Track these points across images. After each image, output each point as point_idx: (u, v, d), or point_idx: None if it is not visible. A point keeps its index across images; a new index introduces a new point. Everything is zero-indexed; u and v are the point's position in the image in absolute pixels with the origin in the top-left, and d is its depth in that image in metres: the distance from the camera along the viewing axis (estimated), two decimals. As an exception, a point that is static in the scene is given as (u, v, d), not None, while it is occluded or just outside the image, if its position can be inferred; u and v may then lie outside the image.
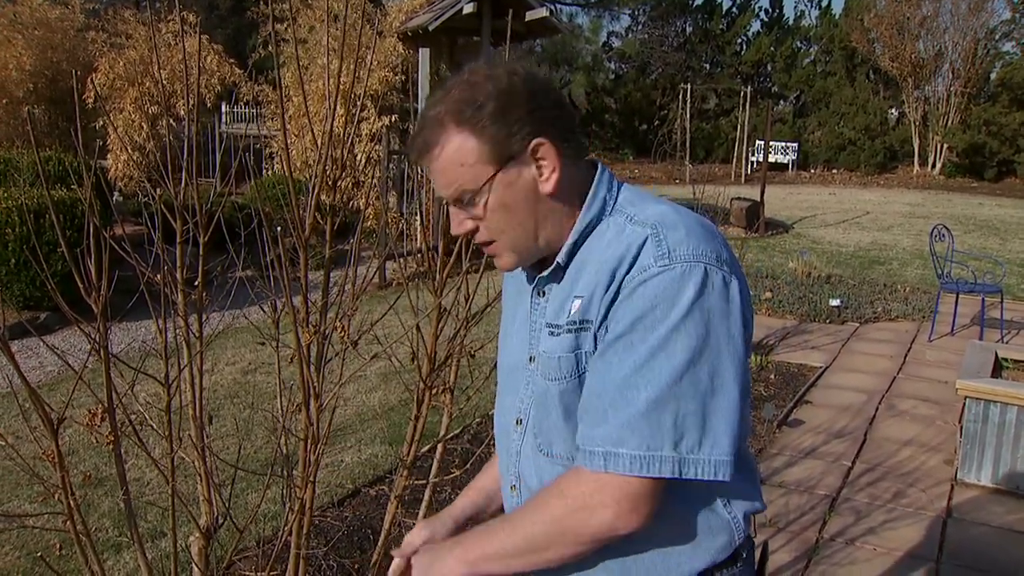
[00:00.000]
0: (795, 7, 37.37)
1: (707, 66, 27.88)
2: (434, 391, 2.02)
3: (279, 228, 1.74)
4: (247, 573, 2.95)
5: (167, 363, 1.81)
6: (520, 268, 1.27)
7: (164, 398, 1.81)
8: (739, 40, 27.54)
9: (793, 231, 12.84)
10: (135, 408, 1.84)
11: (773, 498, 3.68)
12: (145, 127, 10.96)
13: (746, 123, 22.01)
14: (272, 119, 12.07)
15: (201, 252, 1.80)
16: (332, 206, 1.76)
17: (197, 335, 1.85)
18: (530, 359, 1.23)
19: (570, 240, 1.17)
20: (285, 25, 11.19)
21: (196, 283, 1.82)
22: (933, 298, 7.17)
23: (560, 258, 1.18)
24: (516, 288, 1.32)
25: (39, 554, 3.11)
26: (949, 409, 4.90)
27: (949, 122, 22.00)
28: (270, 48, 10.58)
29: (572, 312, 1.14)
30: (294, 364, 1.77)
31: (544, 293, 1.22)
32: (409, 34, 10.40)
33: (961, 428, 4.14)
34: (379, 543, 2.14)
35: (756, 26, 28.10)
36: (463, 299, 2.05)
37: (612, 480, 1.06)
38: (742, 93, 22.56)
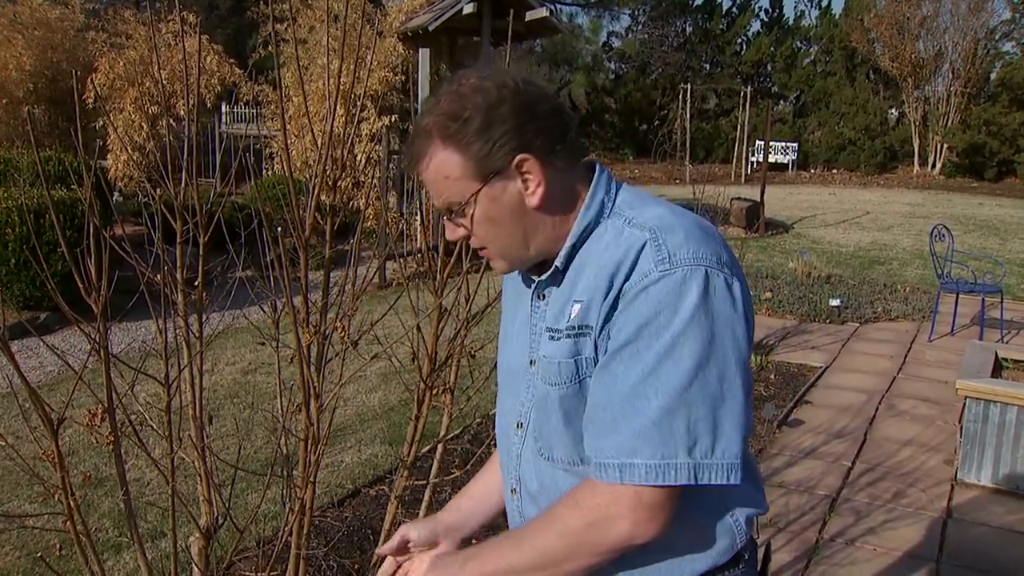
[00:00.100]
0: (795, 7, 37.38)
1: (707, 66, 27.88)
2: (434, 391, 2.02)
3: (279, 228, 1.74)
4: (247, 573, 2.95)
5: (167, 363, 1.81)
6: (516, 272, 1.27)
7: (164, 398, 1.81)
8: (739, 40, 27.53)
9: (793, 231, 12.83)
10: (135, 408, 1.84)
11: (773, 498, 3.68)
12: (145, 127, 10.96)
13: (746, 123, 22.00)
14: (272, 119, 12.07)
15: (201, 252, 1.80)
16: (332, 206, 1.76)
17: (197, 335, 1.85)
18: (530, 363, 1.22)
19: (568, 243, 1.17)
20: (285, 25, 11.19)
21: (196, 283, 1.82)
22: (933, 298, 7.17)
23: (558, 262, 1.17)
24: (516, 290, 1.31)
25: (39, 554, 3.11)
26: (949, 409, 4.89)
27: (949, 122, 22.00)
28: (270, 48, 10.58)
29: (572, 316, 1.13)
30: (294, 364, 1.77)
31: (544, 296, 1.22)
32: (409, 34, 10.40)
33: (961, 428, 4.13)
34: (379, 543, 2.14)
35: (756, 26, 28.13)
36: (463, 299, 2.05)
37: (628, 490, 1.05)
38: (742, 93, 22.56)
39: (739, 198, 12.56)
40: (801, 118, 25.51)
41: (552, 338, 1.16)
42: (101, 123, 10.79)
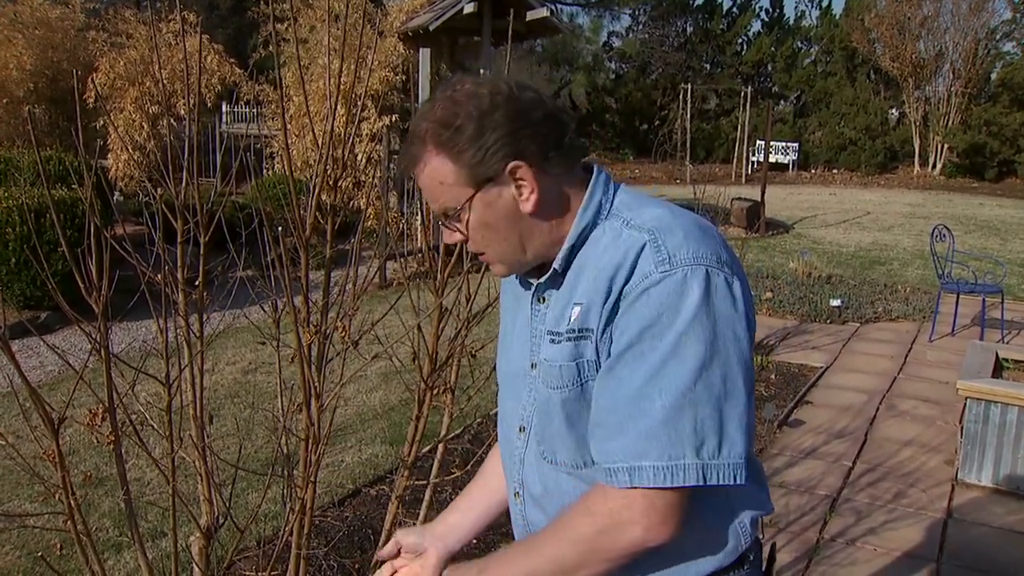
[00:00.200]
0: (795, 7, 37.45)
1: (707, 66, 27.87)
2: (435, 391, 2.02)
3: (280, 228, 1.74)
4: (248, 573, 2.95)
5: (168, 363, 1.81)
6: (514, 275, 1.27)
7: (165, 398, 1.80)
8: (739, 40, 27.52)
9: (794, 231, 12.83)
10: (136, 408, 1.84)
11: (774, 498, 3.65)
12: (146, 127, 10.96)
13: (746, 123, 21.99)
14: (273, 119, 12.07)
15: (202, 252, 1.80)
16: (333, 206, 1.76)
17: (198, 335, 1.85)
18: (532, 366, 1.22)
19: (566, 245, 1.17)
20: (286, 25, 11.18)
21: (197, 283, 1.82)
22: (934, 298, 7.16)
23: (557, 264, 1.17)
24: (515, 293, 1.31)
25: (40, 554, 3.11)
26: (950, 409, 4.89)
27: (950, 122, 21.98)
28: (271, 48, 10.57)
29: (572, 319, 1.13)
30: (295, 364, 1.77)
31: (544, 299, 1.21)
32: (410, 34, 10.39)
33: (962, 429, 4.13)
34: (380, 543, 2.14)
35: (756, 26, 28.11)
36: (464, 299, 2.05)
37: (638, 494, 1.05)
38: (743, 93, 22.54)
39: (740, 198, 12.55)
40: (801, 118, 25.50)
41: (553, 341, 1.16)
42: (102, 123, 10.79)
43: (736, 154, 22.66)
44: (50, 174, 8.22)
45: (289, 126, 10.68)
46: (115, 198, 10.17)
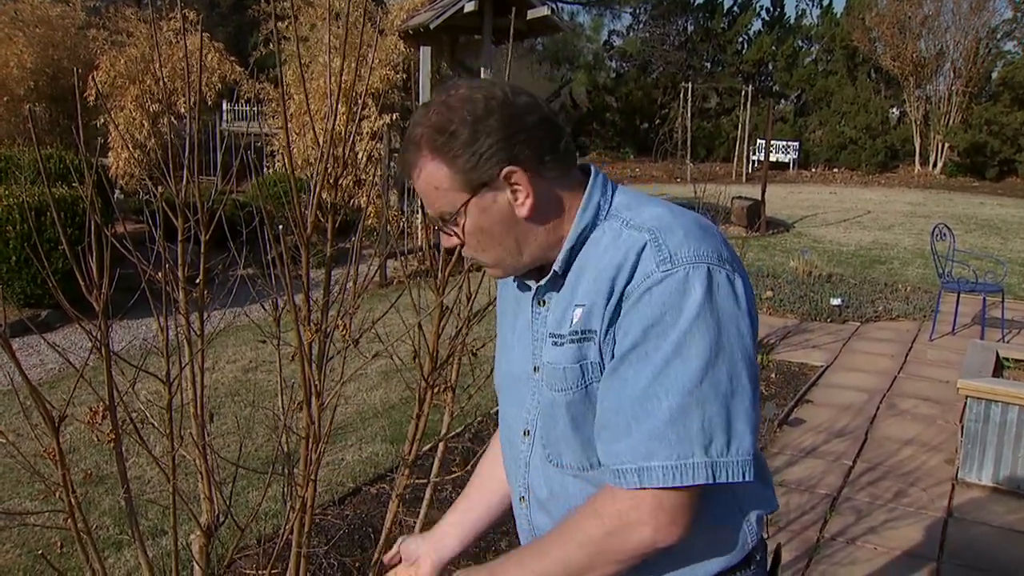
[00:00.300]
0: (796, 6, 37.52)
1: (708, 65, 27.85)
2: (436, 389, 2.02)
3: (280, 226, 1.74)
4: (248, 571, 2.95)
5: (168, 361, 1.81)
6: (512, 279, 1.27)
7: (165, 396, 1.80)
8: (740, 39, 27.50)
9: (794, 230, 12.83)
10: (136, 406, 1.84)
11: (774, 497, 3.68)
12: (146, 125, 10.95)
13: (747, 122, 21.98)
14: (273, 117, 12.06)
15: (202, 250, 1.79)
16: (334, 204, 1.76)
17: (198, 333, 1.85)
18: (534, 369, 1.22)
19: (566, 247, 1.16)
20: (286, 23, 11.17)
21: (197, 281, 1.82)
22: (934, 297, 7.16)
23: (557, 266, 1.17)
24: (514, 297, 1.30)
25: (40, 552, 3.11)
26: (950, 409, 4.89)
27: (950, 121, 21.97)
28: (271, 46, 10.60)
29: (574, 321, 1.13)
30: (295, 362, 1.76)
31: (544, 302, 1.21)
32: (410, 32, 10.39)
33: (962, 428, 4.13)
34: (380, 542, 2.14)
35: (757, 25, 28.08)
36: (465, 297, 2.05)
37: (647, 495, 1.05)
38: (743, 92, 22.53)
39: (740, 197, 12.55)
40: (802, 117, 25.48)
41: (556, 344, 1.15)
42: (102, 121, 10.79)
43: (737, 153, 22.64)
44: (51, 172, 8.22)
45: (290, 124, 10.66)
46: (116, 196, 10.17)
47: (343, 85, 1.88)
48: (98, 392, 1.71)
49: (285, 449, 1.85)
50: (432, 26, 9.71)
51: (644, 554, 1.07)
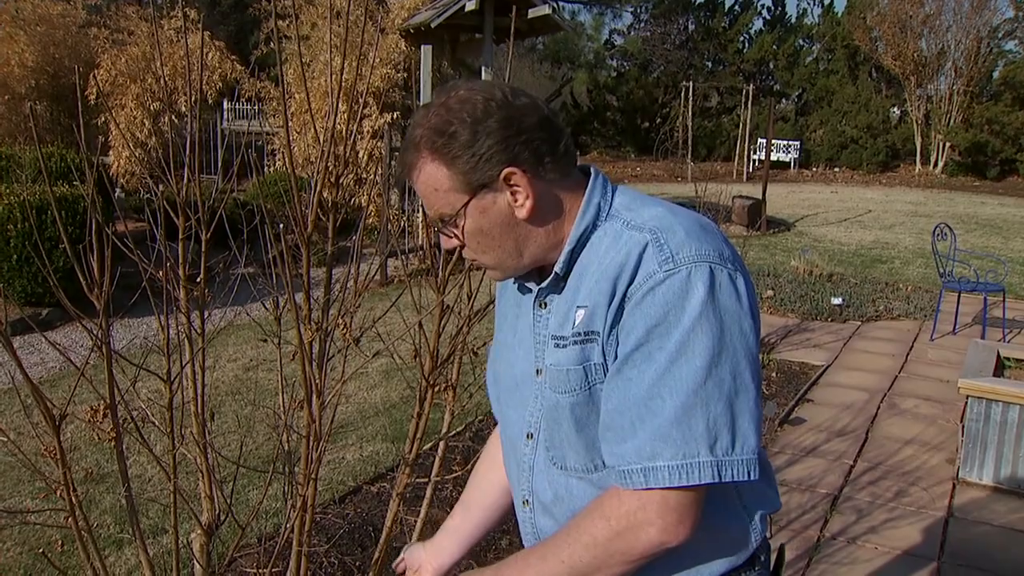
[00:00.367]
0: (797, 5, 37.52)
1: (709, 64, 27.83)
2: (436, 388, 2.02)
3: (281, 225, 1.74)
4: (249, 570, 2.95)
5: (169, 359, 1.81)
6: (512, 281, 1.27)
7: (166, 394, 1.80)
8: (741, 38, 27.48)
9: (795, 229, 12.82)
10: (137, 404, 1.84)
11: (774, 496, 3.68)
12: (147, 123, 10.95)
13: (748, 121, 21.97)
14: (274, 116, 12.07)
15: (203, 249, 1.79)
16: (334, 203, 1.76)
17: (199, 332, 1.85)
18: (537, 372, 1.21)
19: (566, 249, 1.16)
20: (287, 22, 11.17)
21: (198, 279, 1.82)
22: (935, 297, 7.16)
23: (558, 268, 1.17)
24: (514, 299, 1.30)
25: (41, 550, 3.11)
26: (951, 408, 4.89)
27: (951, 121, 21.95)
28: (272, 44, 10.58)
29: (577, 323, 1.13)
30: (296, 361, 1.76)
31: (546, 304, 1.20)
32: (411, 31, 10.39)
33: (963, 427, 4.13)
34: (381, 540, 2.14)
35: (758, 24, 28.07)
36: (466, 296, 2.05)
37: (654, 495, 1.05)
38: (744, 91, 22.51)
39: (741, 196, 12.54)
40: (803, 116, 25.47)
41: (558, 346, 1.15)
42: (103, 119, 10.78)
43: (737, 152, 22.64)
44: (52, 171, 8.22)
45: (291, 123, 10.67)
46: (116, 195, 10.17)
47: (344, 84, 1.88)
48: (99, 390, 1.71)
49: (286, 448, 1.86)
50: (433, 25, 9.72)
51: (651, 555, 1.07)
